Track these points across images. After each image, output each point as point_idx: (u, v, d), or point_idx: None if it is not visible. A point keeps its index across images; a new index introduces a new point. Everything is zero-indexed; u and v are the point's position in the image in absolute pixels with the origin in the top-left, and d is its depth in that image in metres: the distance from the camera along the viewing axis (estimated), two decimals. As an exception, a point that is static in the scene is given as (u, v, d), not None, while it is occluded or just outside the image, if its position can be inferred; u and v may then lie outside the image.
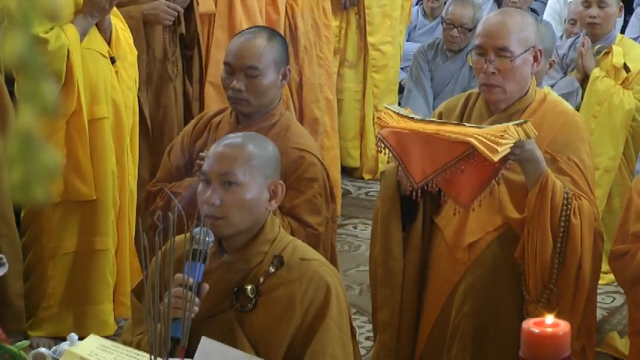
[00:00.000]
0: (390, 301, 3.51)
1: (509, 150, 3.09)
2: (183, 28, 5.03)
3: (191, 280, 2.62)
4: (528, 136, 3.14)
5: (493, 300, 3.39)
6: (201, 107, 5.13)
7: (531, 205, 3.27)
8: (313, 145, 3.79)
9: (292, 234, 3.50)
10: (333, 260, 3.78)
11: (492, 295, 3.39)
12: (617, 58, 5.25)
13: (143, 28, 4.86)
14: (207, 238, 2.69)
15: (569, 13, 6.08)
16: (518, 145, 3.12)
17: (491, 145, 3.06)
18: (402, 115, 3.29)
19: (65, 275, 4.50)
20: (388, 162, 3.37)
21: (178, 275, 2.62)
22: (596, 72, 5.27)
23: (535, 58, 3.40)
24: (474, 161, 3.11)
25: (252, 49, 3.68)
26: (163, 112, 5.00)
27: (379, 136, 3.28)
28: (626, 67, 5.26)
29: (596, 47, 5.34)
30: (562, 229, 3.27)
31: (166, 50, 4.96)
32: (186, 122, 5.03)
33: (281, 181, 2.92)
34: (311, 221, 3.59)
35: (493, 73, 3.36)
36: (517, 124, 3.12)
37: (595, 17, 5.29)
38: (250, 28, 4.09)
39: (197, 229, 2.64)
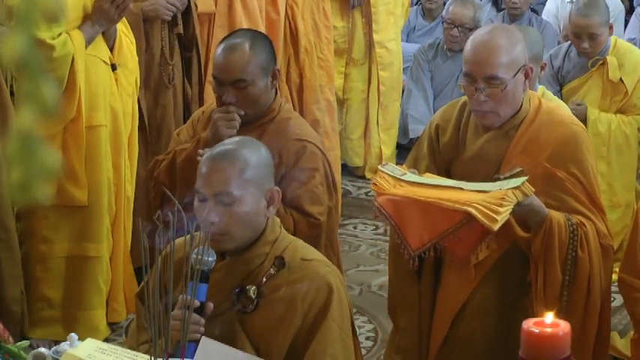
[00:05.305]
0: (410, 328, 3.51)
1: (508, 216, 3.08)
2: (181, 29, 5.02)
3: (196, 302, 2.61)
4: (526, 195, 3.13)
5: (502, 316, 3.37)
6: (200, 109, 5.12)
7: (537, 248, 3.25)
8: (314, 135, 3.79)
9: (294, 224, 3.52)
10: (335, 250, 3.77)
11: (501, 312, 3.37)
12: (612, 72, 5.26)
13: (143, 26, 4.86)
14: (209, 258, 2.68)
15: (563, 28, 6.06)
16: (516, 204, 3.12)
17: (491, 214, 3.04)
18: (397, 178, 3.26)
19: (57, 279, 4.47)
20: (385, 231, 3.35)
21: (182, 297, 2.59)
22: (591, 113, 5.26)
23: (526, 75, 3.32)
24: (473, 229, 3.10)
25: (236, 62, 3.65)
26: (162, 112, 4.99)
27: (376, 204, 3.26)
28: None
29: (590, 62, 5.34)
30: (569, 261, 3.27)
31: (165, 50, 4.96)
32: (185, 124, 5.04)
33: (277, 187, 2.90)
34: (312, 211, 3.59)
35: (485, 100, 3.29)
36: (514, 188, 3.10)
37: (587, 48, 5.31)
38: (232, 35, 3.93)
39: (196, 250, 2.61)
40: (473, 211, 3.05)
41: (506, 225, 3.20)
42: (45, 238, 4.44)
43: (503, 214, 3.05)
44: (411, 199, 3.18)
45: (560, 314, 3.23)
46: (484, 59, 3.28)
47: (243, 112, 3.65)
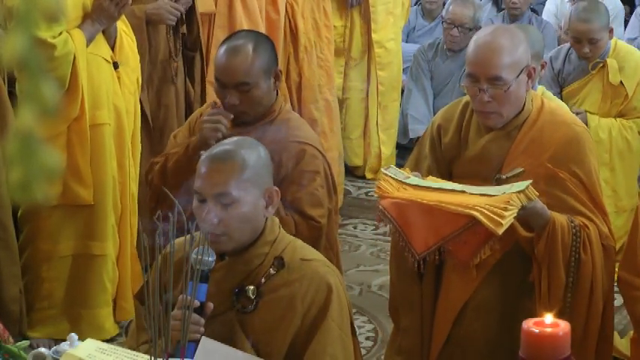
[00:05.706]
0: (412, 328, 3.50)
1: (513, 220, 3.08)
2: (185, 29, 5.03)
3: (196, 302, 2.61)
4: (530, 199, 3.12)
5: (504, 316, 3.36)
6: (203, 109, 5.12)
7: (541, 251, 3.25)
8: (313, 137, 3.78)
9: (295, 227, 3.51)
10: (335, 251, 3.78)
11: (503, 312, 3.37)
12: (613, 76, 5.26)
13: (146, 28, 4.86)
14: (209, 258, 2.68)
15: (563, 25, 6.05)
16: (520, 208, 3.12)
17: (495, 218, 3.03)
18: (401, 182, 3.26)
19: (62, 278, 4.48)
20: (387, 229, 3.35)
21: (182, 297, 2.59)
22: (591, 120, 5.26)
23: (529, 76, 3.32)
24: (477, 232, 3.10)
25: (239, 65, 3.63)
26: (164, 112, 4.99)
27: (380, 207, 3.25)
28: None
29: (590, 64, 5.35)
30: (572, 263, 3.27)
31: (169, 50, 4.96)
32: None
33: (275, 187, 2.90)
34: (313, 214, 3.58)
35: (488, 101, 3.29)
36: (519, 192, 3.10)
37: (588, 52, 5.31)
38: (233, 36, 3.89)
39: (196, 250, 2.61)
40: (478, 214, 3.05)
41: (509, 226, 3.19)
42: (50, 237, 4.44)
43: (508, 218, 3.05)
44: (415, 202, 3.18)
45: (563, 316, 3.23)
46: (487, 60, 3.28)
47: (232, 116, 3.64)
